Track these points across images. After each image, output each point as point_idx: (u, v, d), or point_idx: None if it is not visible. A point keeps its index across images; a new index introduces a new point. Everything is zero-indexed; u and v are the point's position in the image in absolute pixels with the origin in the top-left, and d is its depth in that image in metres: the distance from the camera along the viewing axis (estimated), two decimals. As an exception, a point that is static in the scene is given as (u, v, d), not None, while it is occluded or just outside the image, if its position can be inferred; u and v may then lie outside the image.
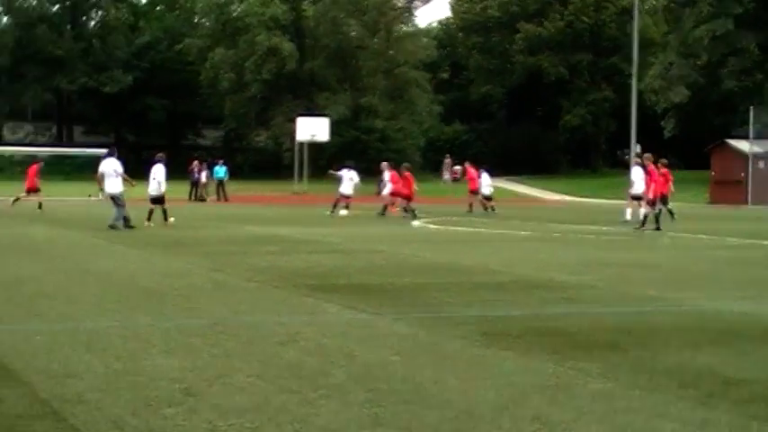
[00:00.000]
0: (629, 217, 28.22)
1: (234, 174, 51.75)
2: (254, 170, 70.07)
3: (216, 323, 9.39)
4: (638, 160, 27.45)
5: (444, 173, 67.28)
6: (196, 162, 49.04)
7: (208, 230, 24.27)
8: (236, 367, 7.38)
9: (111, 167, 24.32)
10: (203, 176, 47.89)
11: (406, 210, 32.09)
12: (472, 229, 25.57)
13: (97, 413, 6.01)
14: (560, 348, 8.26)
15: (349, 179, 32.88)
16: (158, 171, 25.29)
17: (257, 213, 30.04)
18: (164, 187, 25.24)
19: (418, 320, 9.78)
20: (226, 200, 45.78)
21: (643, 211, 25.74)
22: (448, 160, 68.41)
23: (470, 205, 36.19)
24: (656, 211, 25.47)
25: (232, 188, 48.72)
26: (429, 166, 73.71)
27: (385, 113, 73.52)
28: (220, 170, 47.65)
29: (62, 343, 8.25)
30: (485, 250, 18.93)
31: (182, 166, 57.74)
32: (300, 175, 56.91)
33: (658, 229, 24.48)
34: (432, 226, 27.30)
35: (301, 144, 57.81)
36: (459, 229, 26.11)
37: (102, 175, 24.39)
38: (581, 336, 8.95)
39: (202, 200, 46.74)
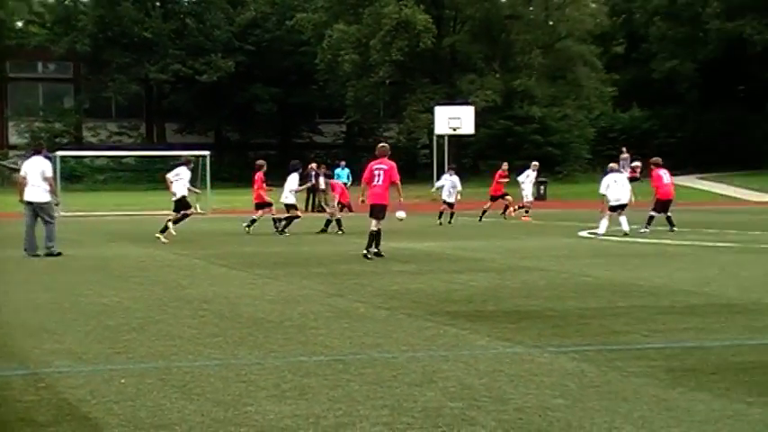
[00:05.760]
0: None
1: (359, 177, 52.22)
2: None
3: (337, 360, 9.51)
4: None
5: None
6: (313, 164, 49.63)
7: (325, 246, 24.59)
8: (360, 414, 7.45)
9: (37, 170, 22.20)
10: (321, 182, 48.46)
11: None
12: (654, 241, 25.19)
13: (193, 469, 6.14)
14: (769, 389, 8.07)
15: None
16: None
17: (387, 224, 30.22)
18: None
19: (586, 354, 9.69)
20: (349, 209, 46.26)
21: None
22: (625, 155, 67.64)
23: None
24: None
25: (356, 195, 49.19)
26: (601, 163, 72.98)
27: (544, 99, 73.12)
28: (342, 173, 48.20)
29: (151, 386, 8.48)
30: (671, 266, 18.63)
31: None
32: (440, 177, 57.01)
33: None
34: (603, 237, 26.97)
35: (441, 139, 58.00)
36: (639, 240, 25.74)
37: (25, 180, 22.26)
38: (796, 373, 8.73)
39: (321, 210, 47.24)
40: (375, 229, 21.14)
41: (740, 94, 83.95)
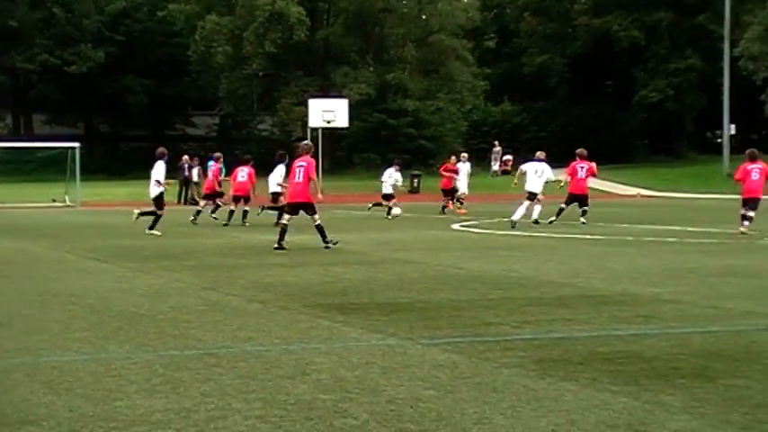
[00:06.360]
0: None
1: (232, 169, 51.89)
2: (257, 164, 69.94)
3: (209, 353, 9.45)
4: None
5: (493, 163, 67.54)
6: (186, 157, 49.23)
7: (200, 239, 24.40)
8: (233, 407, 7.42)
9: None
10: (195, 174, 48.09)
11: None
12: (525, 234, 25.55)
13: (61, 466, 6.05)
14: (634, 378, 8.26)
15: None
16: None
17: (261, 218, 30.18)
18: None
19: (458, 346, 9.79)
20: (222, 202, 46.00)
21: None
22: (497, 148, 68.55)
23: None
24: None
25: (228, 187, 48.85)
26: (473, 156, 73.79)
27: (417, 92, 73.59)
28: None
29: (18, 381, 8.32)
30: (541, 258, 18.93)
31: (169, 162, 58.14)
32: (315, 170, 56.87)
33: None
34: (476, 230, 27.27)
35: (315, 131, 57.95)
36: (510, 233, 26.08)
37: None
38: (660, 362, 8.94)
39: (194, 202, 46.91)
40: (285, 222, 21.27)
41: (608, 90, 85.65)
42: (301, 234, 24.61)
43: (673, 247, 21.59)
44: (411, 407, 7.39)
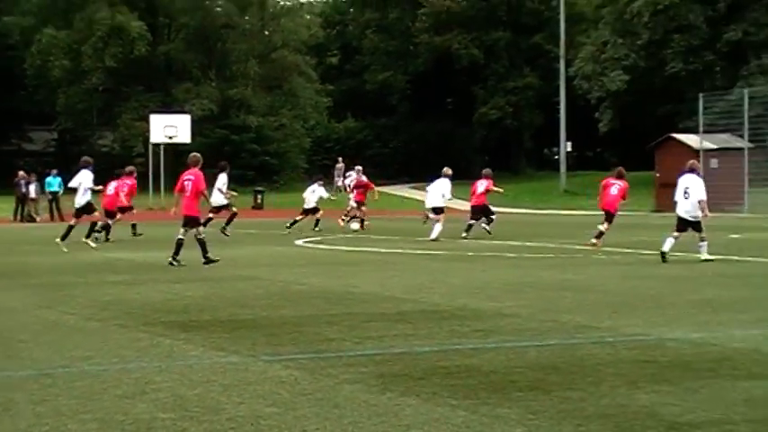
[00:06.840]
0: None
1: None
2: (96, 181, 68.62)
3: (44, 374, 9.24)
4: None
5: (336, 180, 67.70)
6: (22, 172, 48.22)
7: (37, 257, 23.86)
8: (68, 428, 7.28)
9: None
10: (32, 190, 47.14)
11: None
12: (369, 249, 25.68)
13: None
14: (473, 391, 8.36)
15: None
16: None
17: (117, 234, 29.68)
18: None
19: (300, 362, 9.78)
20: (61, 218, 45.12)
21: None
22: (340, 164, 68.74)
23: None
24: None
25: (68, 203, 47.93)
26: (316, 172, 73.93)
27: (260, 108, 73.46)
28: (53, 182, 46.89)
29: None
30: (383, 274, 19.04)
31: (4, 178, 56.78)
32: (156, 186, 56.33)
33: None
34: (319, 246, 27.30)
35: (157, 147, 57.30)
36: (353, 249, 26.18)
37: None
38: (498, 375, 9.07)
39: (31, 219, 45.99)
40: (182, 237, 21.08)
41: (449, 107, 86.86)
42: (144, 251, 24.32)
43: (511, 261, 21.97)
44: (252, 424, 7.36)
